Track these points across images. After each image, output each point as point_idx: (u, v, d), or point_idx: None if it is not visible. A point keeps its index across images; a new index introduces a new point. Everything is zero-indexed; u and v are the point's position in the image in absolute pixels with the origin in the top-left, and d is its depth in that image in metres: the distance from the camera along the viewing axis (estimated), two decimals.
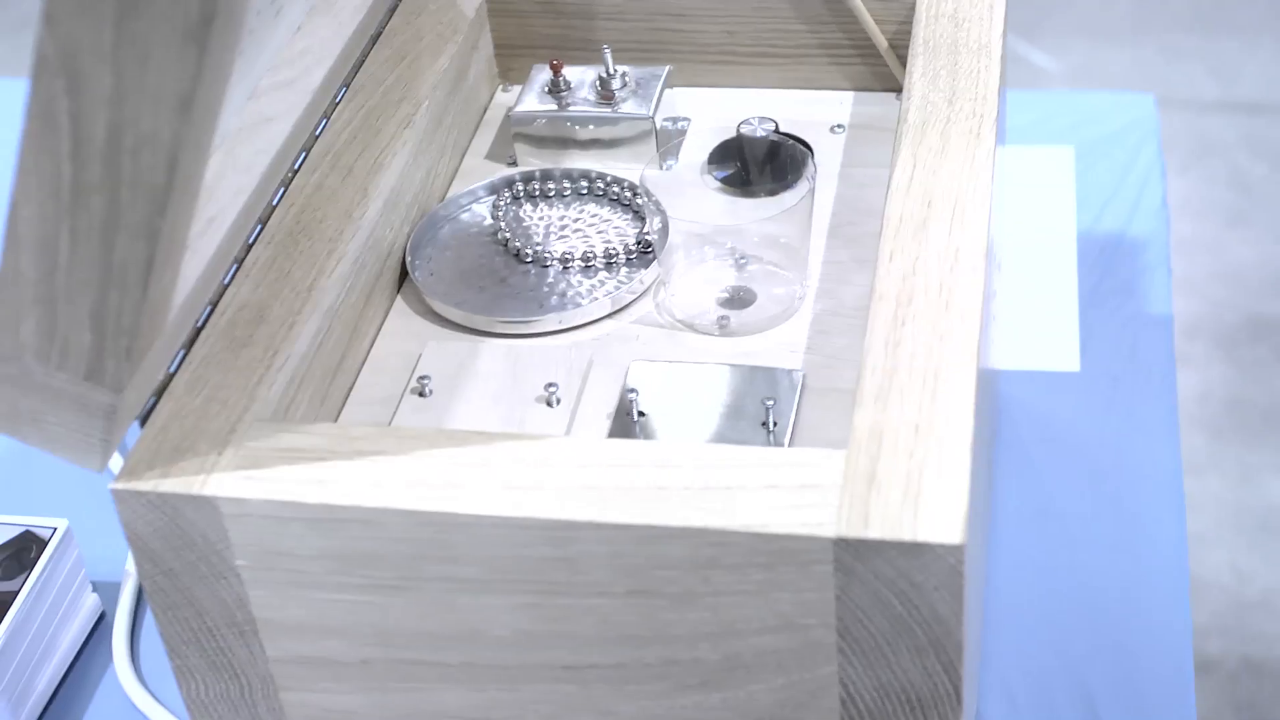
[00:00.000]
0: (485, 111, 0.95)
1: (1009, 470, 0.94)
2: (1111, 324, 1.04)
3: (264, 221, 0.77)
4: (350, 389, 0.78)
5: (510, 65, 0.96)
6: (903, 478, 0.62)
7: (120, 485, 0.66)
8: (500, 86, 0.97)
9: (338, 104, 0.85)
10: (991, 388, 0.86)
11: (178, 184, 0.55)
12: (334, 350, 0.76)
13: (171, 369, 0.70)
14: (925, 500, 0.61)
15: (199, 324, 0.72)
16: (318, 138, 0.82)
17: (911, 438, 0.63)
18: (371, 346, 0.80)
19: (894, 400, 0.65)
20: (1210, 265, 2.10)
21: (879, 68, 0.91)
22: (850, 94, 0.93)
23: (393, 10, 0.91)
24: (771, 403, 0.74)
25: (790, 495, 0.62)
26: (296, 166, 0.80)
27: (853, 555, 0.61)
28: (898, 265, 0.70)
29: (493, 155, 0.92)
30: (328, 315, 0.74)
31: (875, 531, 0.60)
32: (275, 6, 0.69)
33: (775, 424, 0.74)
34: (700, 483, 0.63)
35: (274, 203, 0.78)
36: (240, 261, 0.75)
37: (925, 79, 0.80)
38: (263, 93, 0.73)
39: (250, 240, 0.76)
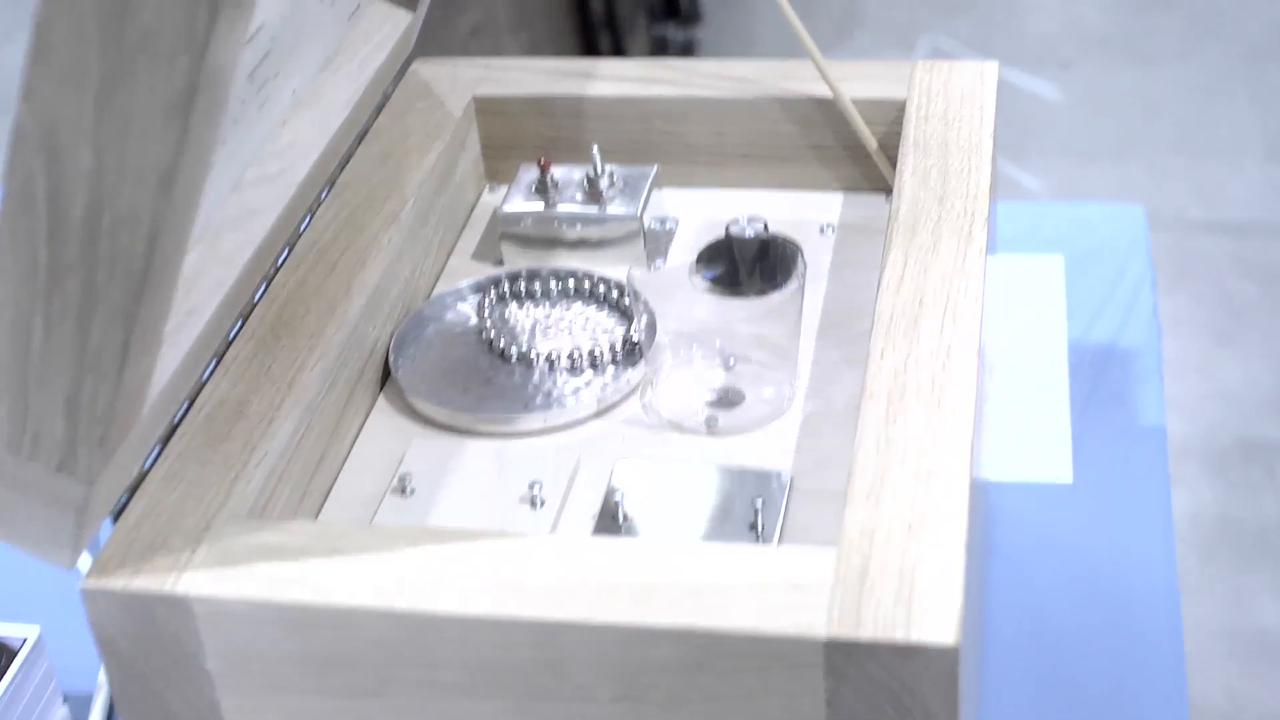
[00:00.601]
0: (472, 210, 0.94)
1: (1003, 584, 0.92)
2: (1104, 435, 1.02)
3: (245, 316, 0.76)
4: (330, 487, 0.76)
5: (497, 166, 0.95)
6: (895, 577, 0.60)
7: (90, 584, 0.64)
8: (487, 186, 0.96)
9: (323, 200, 0.84)
10: (984, 497, 0.84)
11: (156, 266, 0.54)
12: (314, 447, 0.74)
13: (147, 465, 0.68)
14: (919, 600, 0.59)
15: (176, 420, 0.71)
16: (302, 234, 0.81)
17: (904, 536, 0.62)
18: (353, 445, 0.79)
19: (886, 497, 0.63)
20: (1200, 386, 2.09)
21: (869, 169, 0.91)
22: (839, 195, 0.92)
23: (380, 108, 0.91)
24: (760, 504, 0.72)
25: (781, 595, 0.60)
26: (280, 261, 0.79)
27: (844, 657, 0.59)
28: (889, 362, 0.69)
29: (479, 255, 0.91)
30: (308, 411, 0.73)
31: (868, 632, 0.59)
32: (260, 98, 0.69)
33: (763, 526, 0.72)
34: (689, 582, 0.61)
35: (256, 298, 0.77)
36: (220, 356, 0.74)
37: (916, 178, 0.80)
38: (247, 185, 0.72)
39: (231, 335, 0.75)
